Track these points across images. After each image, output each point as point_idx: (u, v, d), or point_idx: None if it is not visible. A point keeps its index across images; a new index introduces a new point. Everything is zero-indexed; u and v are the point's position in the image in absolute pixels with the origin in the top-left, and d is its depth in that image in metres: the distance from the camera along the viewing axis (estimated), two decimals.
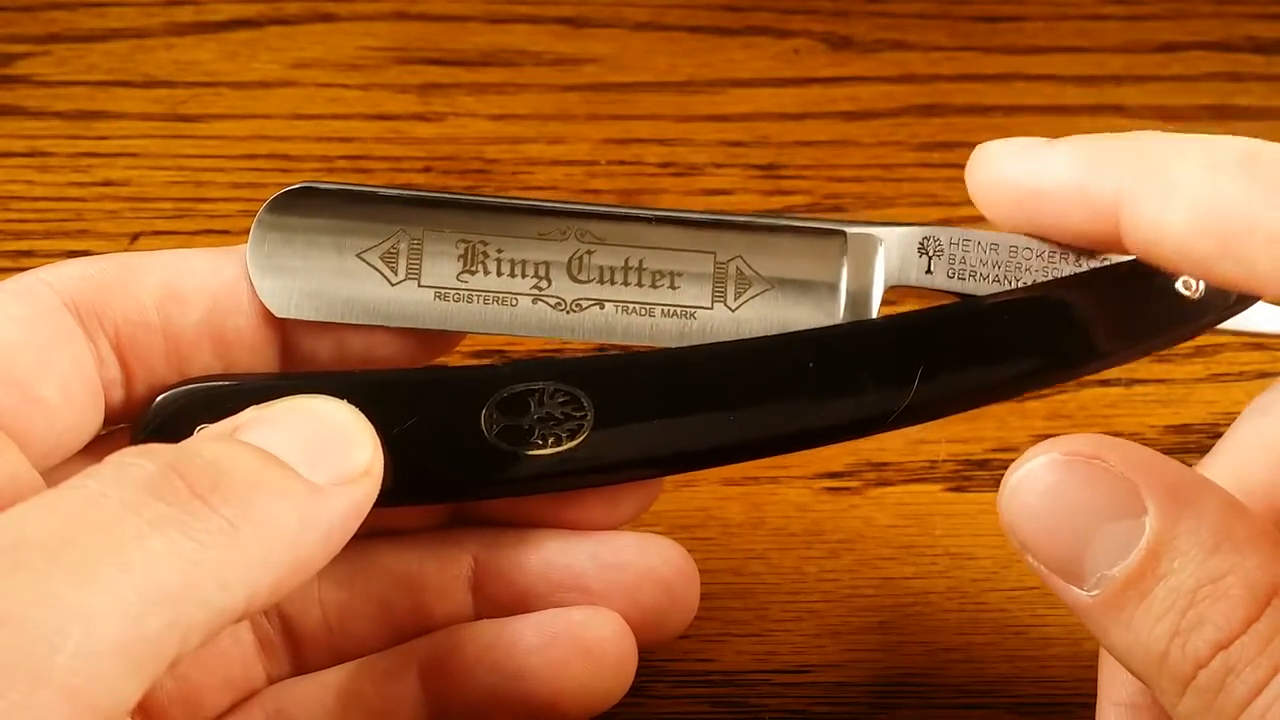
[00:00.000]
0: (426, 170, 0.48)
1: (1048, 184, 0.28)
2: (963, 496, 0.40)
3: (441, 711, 0.29)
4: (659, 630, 0.30)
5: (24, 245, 0.45)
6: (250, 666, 0.30)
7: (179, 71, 0.50)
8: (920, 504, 0.40)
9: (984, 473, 0.41)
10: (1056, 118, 0.50)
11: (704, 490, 0.40)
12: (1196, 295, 0.30)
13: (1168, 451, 0.41)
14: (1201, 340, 0.43)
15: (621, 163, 0.48)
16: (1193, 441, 0.41)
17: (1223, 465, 0.30)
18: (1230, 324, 0.30)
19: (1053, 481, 0.24)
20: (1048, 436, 0.42)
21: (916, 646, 0.37)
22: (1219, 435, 0.41)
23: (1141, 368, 0.43)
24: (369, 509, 0.25)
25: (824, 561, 0.39)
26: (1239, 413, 0.42)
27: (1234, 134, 0.50)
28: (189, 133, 0.48)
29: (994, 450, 0.41)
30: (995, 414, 0.42)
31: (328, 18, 0.52)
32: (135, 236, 0.45)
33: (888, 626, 0.37)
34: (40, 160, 0.47)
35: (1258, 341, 0.44)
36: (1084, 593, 0.24)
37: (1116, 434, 0.41)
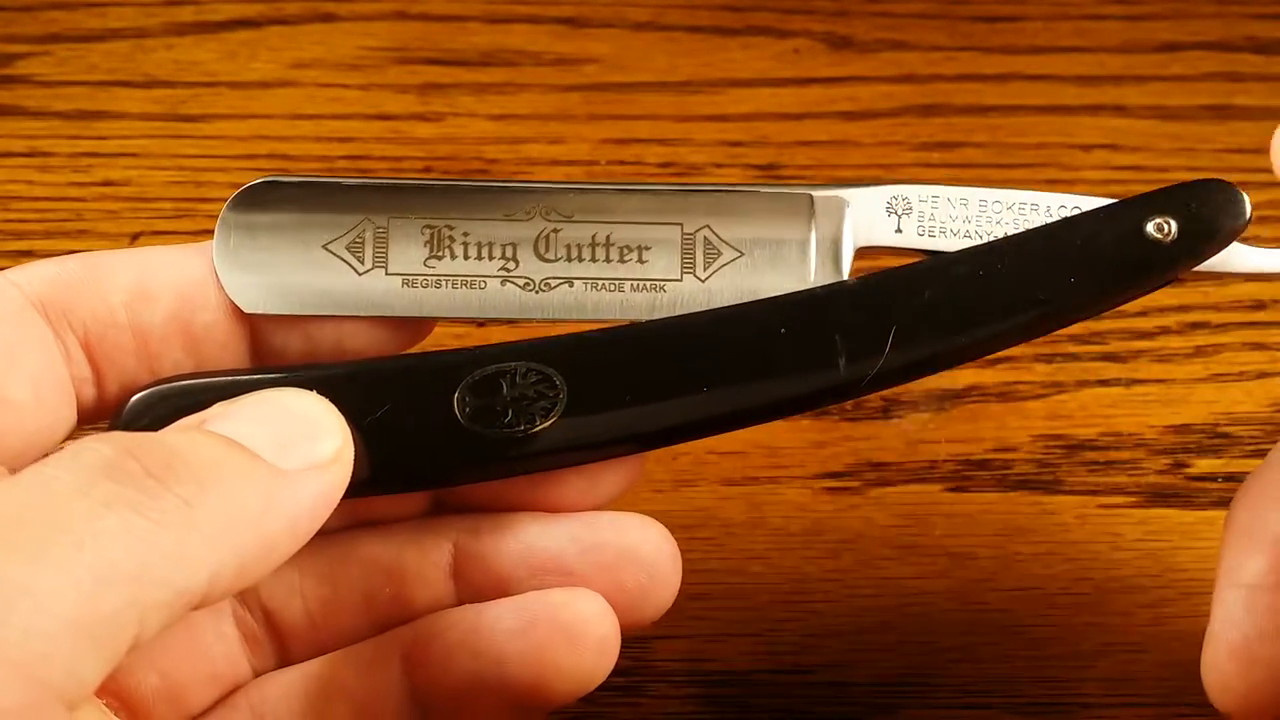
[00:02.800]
0: (427, 170, 0.48)
1: None
2: (963, 496, 0.40)
3: (426, 698, 0.29)
4: (642, 609, 0.30)
5: (24, 245, 0.45)
6: (235, 661, 0.30)
7: (179, 71, 0.50)
8: (920, 504, 0.40)
9: (984, 473, 0.41)
10: (1056, 118, 0.50)
11: (704, 490, 0.40)
12: (1169, 239, 0.29)
13: (1167, 452, 0.41)
14: (1201, 340, 0.43)
15: (621, 163, 0.48)
16: (1193, 442, 0.41)
17: None
18: (1206, 265, 0.30)
19: None
20: (1047, 436, 0.43)
21: (916, 646, 0.37)
22: (1219, 435, 0.42)
23: (1141, 368, 0.43)
24: (339, 497, 0.25)
25: (824, 561, 0.39)
26: (1239, 413, 0.42)
27: (1234, 134, 0.50)
28: (189, 133, 0.48)
29: (994, 450, 0.41)
30: (995, 414, 0.42)
31: (328, 18, 0.52)
32: (135, 236, 0.45)
33: (888, 626, 0.37)
34: (40, 160, 0.47)
35: (1258, 341, 0.44)
36: None
37: (1116, 434, 0.42)
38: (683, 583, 0.38)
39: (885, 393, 0.42)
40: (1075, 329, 0.44)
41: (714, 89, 0.50)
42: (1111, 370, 0.43)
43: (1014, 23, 0.53)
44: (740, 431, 0.39)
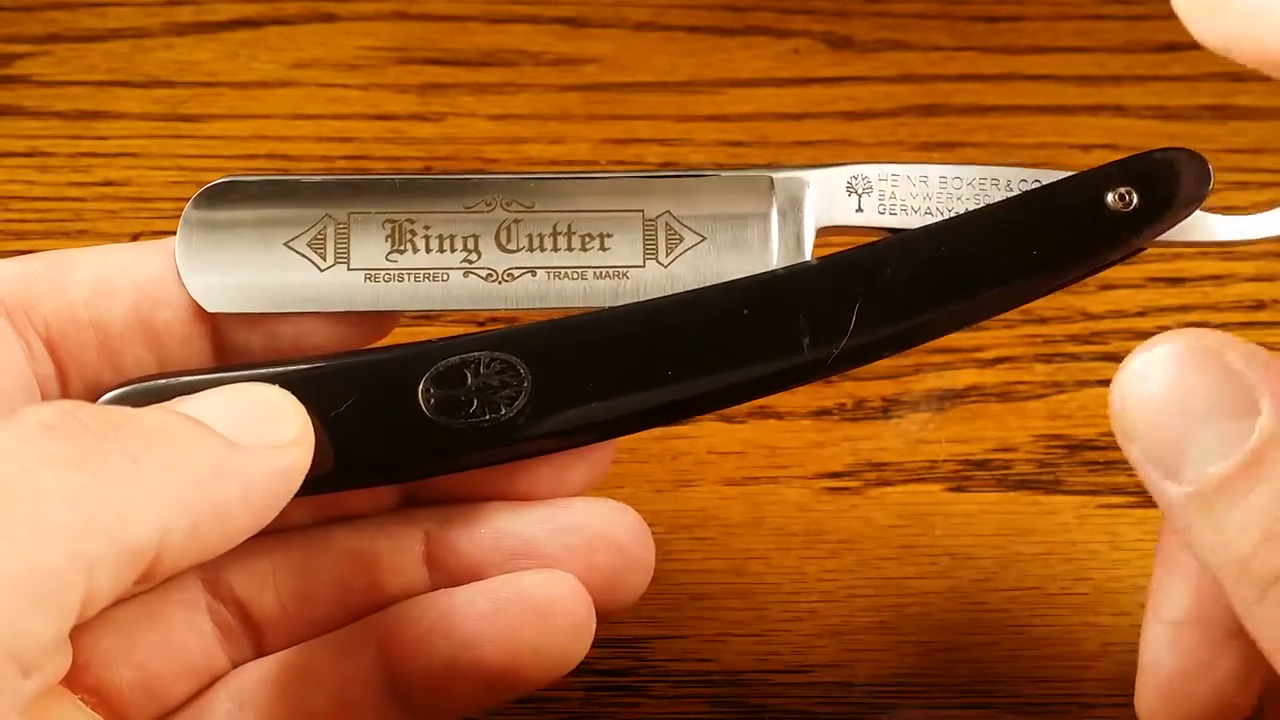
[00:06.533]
0: (426, 170, 0.48)
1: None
2: (963, 496, 0.40)
3: (402, 683, 0.29)
4: (616, 593, 0.30)
5: (24, 245, 0.45)
6: (211, 653, 0.30)
7: (179, 71, 0.50)
8: (920, 504, 0.40)
9: (984, 473, 0.41)
10: (1056, 117, 0.50)
11: (704, 490, 0.40)
12: (1130, 208, 0.29)
13: None
14: None
15: (621, 163, 0.48)
16: None
17: None
18: (1168, 236, 0.30)
19: (1170, 372, 0.24)
20: (1047, 436, 0.43)
21: (916, 646, 0.37)
22: None
23: None
24: (299, 479, 0.26)
25: (824, 561, 0.39)
26: None
27: (1234, 134, 0.50)
28: (189, 133, 0.48)
29: (994, 450, 0.41)
30: (995, 414, 0.42)
31: (328, 18, 0.52)
32: (135, 236, 0.45)
33: (888, 626, 0.38)
34: (40, 160, 0.47)
35: (1258, 341, 0.43)
36: (1178, 487, 0.24)
37: None
38: (683, 583, 0.38)
39: (886, 393, 0.42)
40: (1075, 329, 0.44)
41: (714, 89, 0.50)
42: (1111, 370, 0.42)
43: (1014, 23, 0.53)
44: (740, 431, 0.39)
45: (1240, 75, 0.51)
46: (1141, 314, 0.44)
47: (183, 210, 0.29)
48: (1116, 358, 0.43)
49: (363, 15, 0.52)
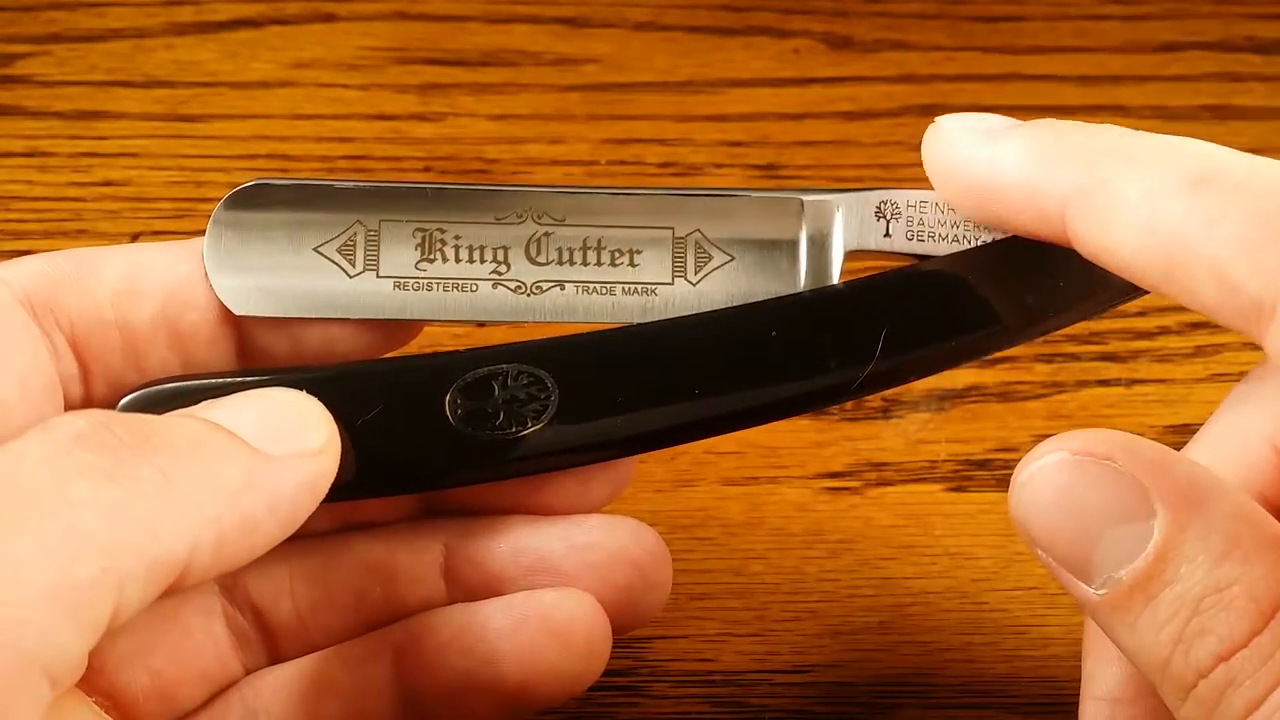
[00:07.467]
0: (426, 170, 0.48)
1: (998, 178, 0.27)
2: (963, 496, 0.40)
3: (417, 696, 0.29)
4: (633, 611, 0.30)
5: (24, 245, 0.45)
6: (226, 660, 0.30)
7: (179, 71, 0.50)
8: (920, 504, 0.40)
9: (984, 473, 0.41)
10: (1056, 118, 0.50)
11: (704, 490, 0.40)
12: None
13: None
14: (1201, 340, 0.43)
15: (621, 163, 0.48)
16: None
17: (1200, 459, 0.30)
18: None
19: (1062, 481, 0.24)
20: (1047, 437, 0.43)
21: (916, 646, 0.37)
22: None
23: (1141, 368, 0.43)
24: (325, 488, 0.25)
25: (824, 561, 0.39)
26: None
27: (1234, 134, 0.50)
28: (189, 133, 0.48)
29: (994, 450, 0.41)
30: (995, 414, 0.42)
31: (328, 18, 0.52)
32: (135, 236, 0.45)
33: (888, 626, 0.38)
34: (40, 160, 0.47)
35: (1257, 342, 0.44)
36: (1092, 590, 0.24)
37: None
38: (683, 583, 0.38)
39: (885, 392, 0.42)
40: (1075, 329, 0.44)
41: (714, 89, 0.50)
42: (1111, 370, 0.43)
43: (1014, 23, 0.53)
44: (739, 431, 0.39)
45: (1240, 75, 0.51)
46: (1141, 314, 0.44)
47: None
48: (1116, 358, 0.43)
49: (363, 15, 0.52)
